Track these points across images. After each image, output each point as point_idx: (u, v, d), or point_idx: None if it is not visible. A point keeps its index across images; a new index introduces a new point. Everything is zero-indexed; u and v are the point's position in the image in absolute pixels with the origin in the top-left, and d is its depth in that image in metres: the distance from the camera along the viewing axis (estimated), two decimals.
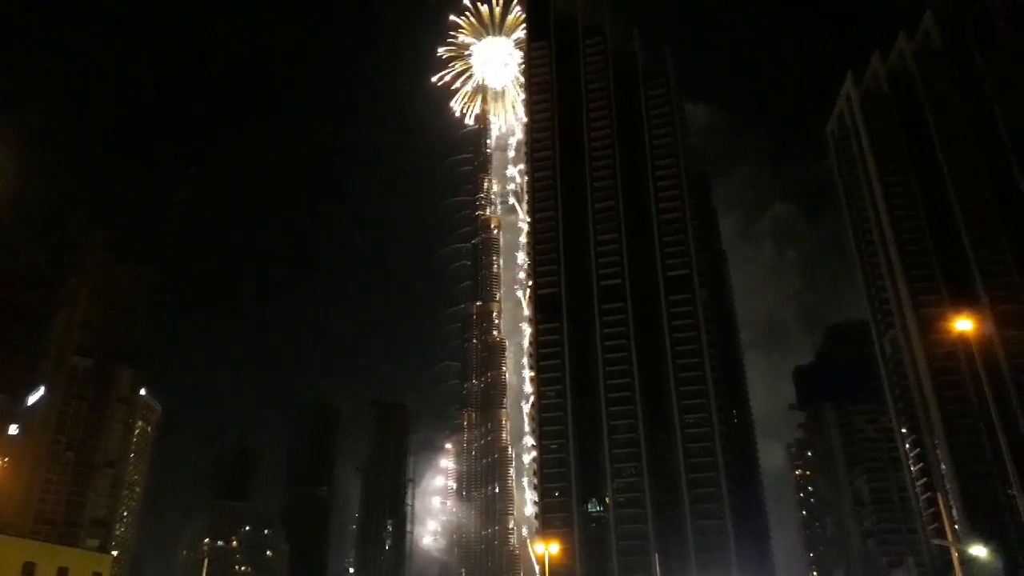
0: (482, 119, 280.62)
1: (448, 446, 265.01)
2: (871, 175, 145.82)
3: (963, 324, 62.10)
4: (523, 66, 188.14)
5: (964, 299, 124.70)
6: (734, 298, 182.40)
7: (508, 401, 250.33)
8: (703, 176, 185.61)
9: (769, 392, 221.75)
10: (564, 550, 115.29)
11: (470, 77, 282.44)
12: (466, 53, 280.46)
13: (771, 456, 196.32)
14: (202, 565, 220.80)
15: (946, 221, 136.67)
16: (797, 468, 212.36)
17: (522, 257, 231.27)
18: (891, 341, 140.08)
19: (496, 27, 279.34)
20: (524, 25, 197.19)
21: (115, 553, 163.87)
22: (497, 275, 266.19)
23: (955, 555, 52.16)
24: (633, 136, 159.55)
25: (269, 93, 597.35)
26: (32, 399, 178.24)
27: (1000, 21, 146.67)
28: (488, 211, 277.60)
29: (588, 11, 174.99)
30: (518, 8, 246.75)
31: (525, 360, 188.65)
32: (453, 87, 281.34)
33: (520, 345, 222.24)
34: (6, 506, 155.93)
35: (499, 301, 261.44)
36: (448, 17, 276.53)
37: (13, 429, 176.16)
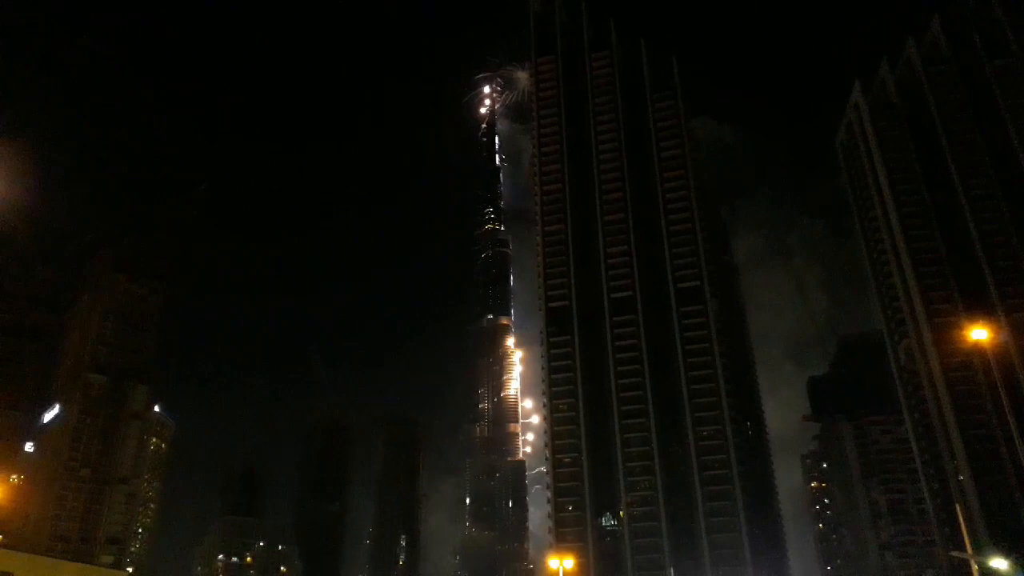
0: (489, 133, 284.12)
1: (461, 461, 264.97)
2: (882, 184, 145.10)
3: (978, 333, 61.22)
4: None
5: (978, 307, 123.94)
6: (746, 310, 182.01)
7: (521, 415, 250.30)
8: (713, 189, 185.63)
9: (783, 404, 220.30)
10: (579, 565, 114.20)
11: (493, 101, 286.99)
12: (498, 81, 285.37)
13: (786, 469, 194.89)
14: None
15: (959, 229, 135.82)
16: (813, 480, 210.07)
17: None
18: (905, 351, 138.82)
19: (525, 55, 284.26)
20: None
21: (130, 570, 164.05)
22: (510, 289, 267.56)
23: (974, 567, 51.41)
24: (641, 149, 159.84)
25: (277, 107, 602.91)
26: (47, 417, 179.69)
27: (1007, 29, 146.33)
28: (502, 227, 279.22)
29: (594, 24, 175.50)
30: None
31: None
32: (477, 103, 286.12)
33: (538, 359, 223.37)
34: (22, 523, 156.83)
35: (511, 315, 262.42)
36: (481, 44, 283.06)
37: (28, 446, 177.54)
